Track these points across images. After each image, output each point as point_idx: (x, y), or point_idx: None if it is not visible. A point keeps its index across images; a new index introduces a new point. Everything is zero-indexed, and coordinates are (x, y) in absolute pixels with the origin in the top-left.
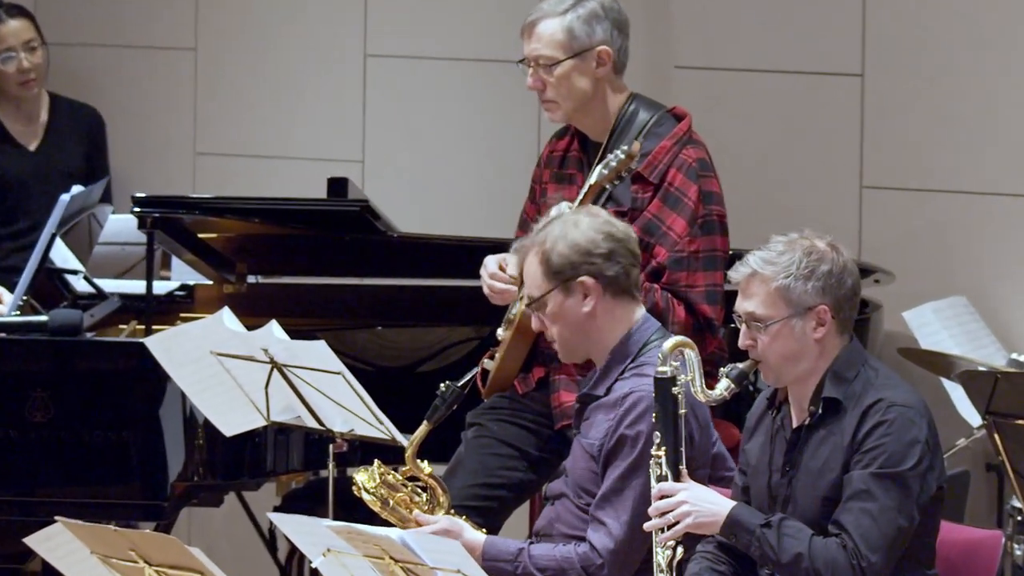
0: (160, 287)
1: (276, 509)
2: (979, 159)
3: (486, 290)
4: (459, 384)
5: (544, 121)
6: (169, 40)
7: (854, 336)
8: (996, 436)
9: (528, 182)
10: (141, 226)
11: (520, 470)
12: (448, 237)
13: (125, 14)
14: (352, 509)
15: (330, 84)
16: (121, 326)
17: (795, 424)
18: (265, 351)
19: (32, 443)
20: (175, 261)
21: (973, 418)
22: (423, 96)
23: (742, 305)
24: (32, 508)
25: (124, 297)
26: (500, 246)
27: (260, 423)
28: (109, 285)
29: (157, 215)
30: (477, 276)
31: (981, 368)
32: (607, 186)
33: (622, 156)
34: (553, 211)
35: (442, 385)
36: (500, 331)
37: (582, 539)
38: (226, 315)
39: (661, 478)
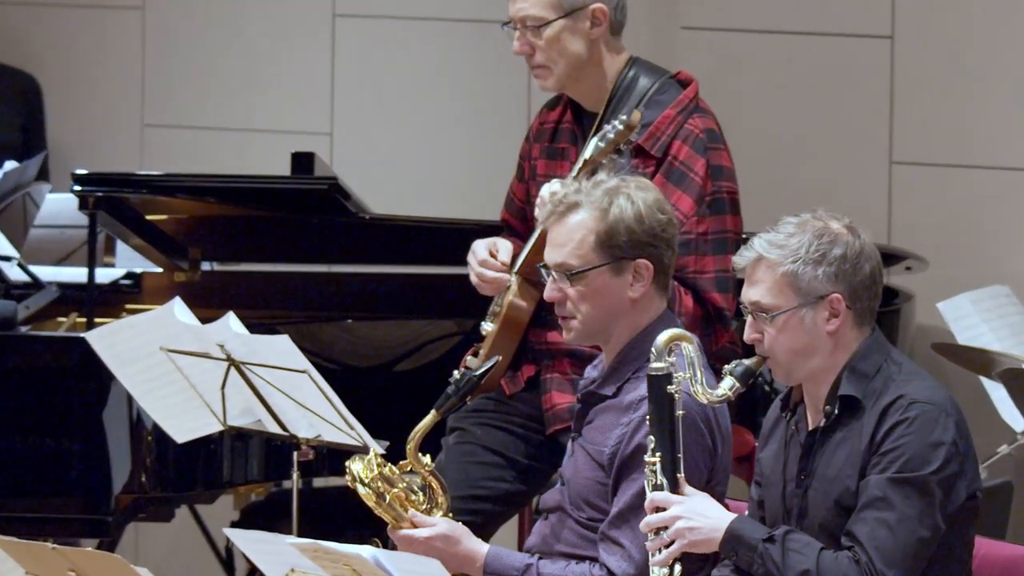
0: (104, 275)
1: (234, 524)
2: (1022, 131)
3: (474, 279)
4: (476, 372)
5: (534, 90)
6: None
7: (876, 328)
8: None
9: (516, 158)
10: (82, 207)
11: (507, 480)
12: (426, 219)
13: None
14: (319, 524)
15: (294, 47)
16: (60, 319)
17: (811, 427)
18: (221, 347)
19: None
20: (120, 246)
21: (1017, 422)
22: (398, 62)
23: (747, 294)
24: None
25: (63, 286)
26: (483, 229)
27: (215, 428)
28: (46, 273)
29: (100, 194)
30: (458, 263)
31: None
32: (604, 161)
33: (620, 127)
34: (544, 191)
35: (456, 372)
36: (485, 325)
37: (584, 559)
38: (177, 307)
39: (656, 488)
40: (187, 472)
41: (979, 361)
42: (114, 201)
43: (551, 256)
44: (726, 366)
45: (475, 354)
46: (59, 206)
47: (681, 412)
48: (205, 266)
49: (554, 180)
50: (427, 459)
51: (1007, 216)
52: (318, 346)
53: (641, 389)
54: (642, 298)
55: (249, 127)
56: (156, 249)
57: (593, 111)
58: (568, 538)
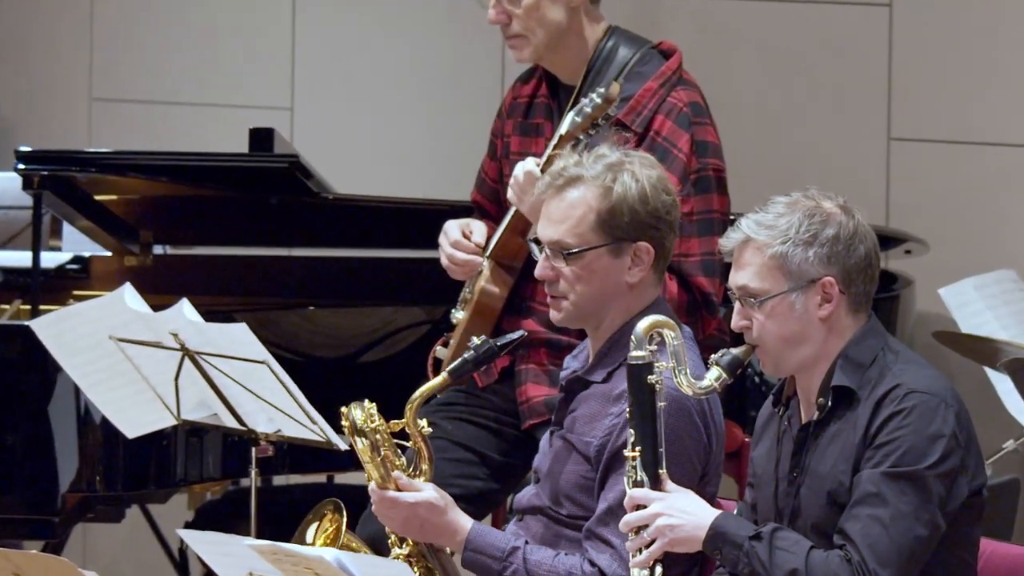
0: (49, 259)
1: (188, 525)
2: None
3: (445, 261)
4: (497, 343)
5: (509, 62)
6: None
7: (873, 315)
8: None
9: (487, 134)
10: (27, 186)
11: (480, 478)
12: (393, 200)
13: None
14: (278, 524)
15: (253, 16)
16: (2, 306)
17: (804, 421)
18: (175, 336)
19: None
20: (67, 228)
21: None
22: (363, 31)
23: (734, 278)
24: None
25: (6, 271)
26: (453, 210)
27: (169, 422)
28: None
29: (46, 173)
30: (427, 246)
31: None
32: (581, 136)
33: (598, 100)
34: (517, 170)
35: (475, 337)
36: (455, 312)
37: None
38: (128, 293)
39: (636, 484)
40: (138, 469)
41: (983, 351)
42: (60, 180)
43: (546, 232)
44: (712, 356)
45: (445, 344)
46: (1, 185)
47: (663, 404)
48: (157, 249)
49: (528, 158)
50: (424, 422)
51: (1013, 196)
52: (278, 335)
53: None
54: (639, 283)
55: (204, 101)
56: (105, 231)
57: (570, 84)
58: (546, 539)
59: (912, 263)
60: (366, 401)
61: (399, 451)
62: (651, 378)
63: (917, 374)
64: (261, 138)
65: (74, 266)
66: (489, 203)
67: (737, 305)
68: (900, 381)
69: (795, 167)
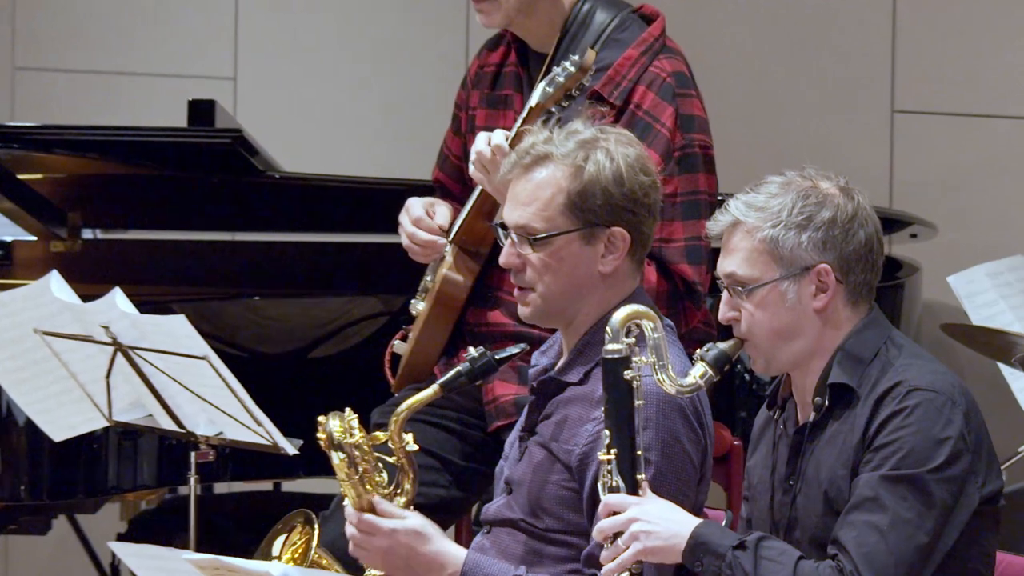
0: None
1: (120, 537)
2: None
3: (406, 241)
4: (496, 356)
5: (475, 27)
6: None
7: (875, 306)
8: None
9: (450, 107)
10: None
11: (442, 485)
12: (346, 178)
13: None
14: (220, 536)
15: None
16: None
17: (800, 423)
18: (106, 329)
19: None
20: None
21: None
22: None
23: (723, 264)
24: None
25: None
26: (413, 190)
27: (99, 424)
28: None
29: None
30: (384, 229)
31: None
32: (553, 109)
33: (572, 69)
34: (479, 141)
35: (472, 349)
36: (415, 303)
37: None
38: (54, 281)
39: (612, 490)
40: (66, 476)
41: (997, 344)
42: None
43: (511, 215)
44: (698, 351)
45: (404, 338)
46: None
47: (641, 402)
48: (87, 234)
49: (497, 131)
50: (409, 437)
51: None
52: (220, 328)
53: None
54: (615, 272)
55: (139, 71)
56: (29, 214)
57: (541, 51)
58: (521, 555)
59: (918, 248)
60: (347, 411)
61: (381, 467)
62: (628, 374)
63: (921, 370)
64: (201, 111)
65: None
66: (452, 182)
67: (725, 295)
68: (902, 378)
69: (790, 144)
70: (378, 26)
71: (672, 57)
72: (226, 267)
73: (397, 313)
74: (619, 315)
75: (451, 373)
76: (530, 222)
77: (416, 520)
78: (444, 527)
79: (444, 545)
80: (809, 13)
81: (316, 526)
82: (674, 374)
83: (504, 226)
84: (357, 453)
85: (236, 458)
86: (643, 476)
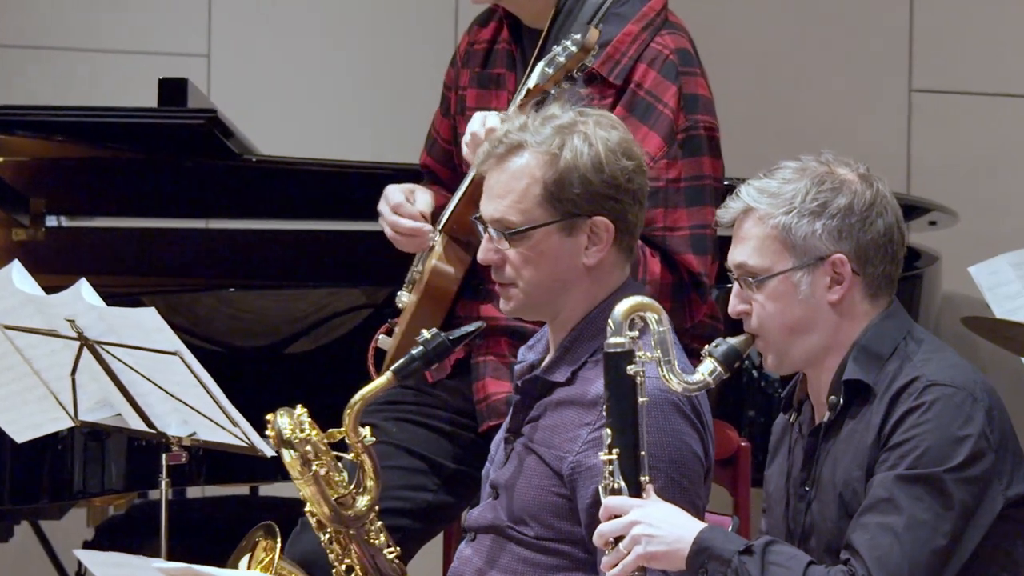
0: None
1: (87, 544)
2: None
3: (388, 231)
4: (451, 336)
5: (464, 2)
6: None
7: (895, 300)
8: None
9: (439, 87)
10: None
11: (430, 489)
12: (327, 162)
13: None
14: (193, 543)
15: None
16: None
17: (815, 424)
18: (71, 323)
19: None
20: None
21: None
22: None
23: (733, 254)
24: None
25: None
26: (399, 176)
27: (64, 424)
28: None
29: None
30: (367, 217)
31: None
32: (552, 90)
33: (574, 49)
34: (474, 122)
35: (425, 331)
36: (402, 295)
37: None
38: (16, 272)
39: (614, 492)
40: (29, 480)
41: (1021, 339)
42: None
43: (487, 209)
44: (706, 346)
45: (389, 332)
46: None
47: (644, 399)
48: (51, 221)
49: (491, 112)
50: (366, 431)
51: None
52: (193, 321)
53: None
54: (600, 264)
55: (105, 47)
56: None
57: (535, 27)
58: (507, 564)
59: (937, 236)
60: (298, 407)
61: (339, 465)
62: (631, 369)
63: (940, 364)
64: (173, 90)
65: None
66: (441, 167)
67: (735, 286)
68: (920, 373)
69: (801, 126)
70: (364, 2)
71: (675, 33)
72: (199, 256)
73: (382, 306)
74: (623, 306)
75: (404, 358)
76: (506, 215)
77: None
78: (432, 534)
79: None
80: None
81: (278, 537)
82: (680, 371)
83: (482, 220)
84: (310, 450)
85: (210, 460)
86: (647, 478)
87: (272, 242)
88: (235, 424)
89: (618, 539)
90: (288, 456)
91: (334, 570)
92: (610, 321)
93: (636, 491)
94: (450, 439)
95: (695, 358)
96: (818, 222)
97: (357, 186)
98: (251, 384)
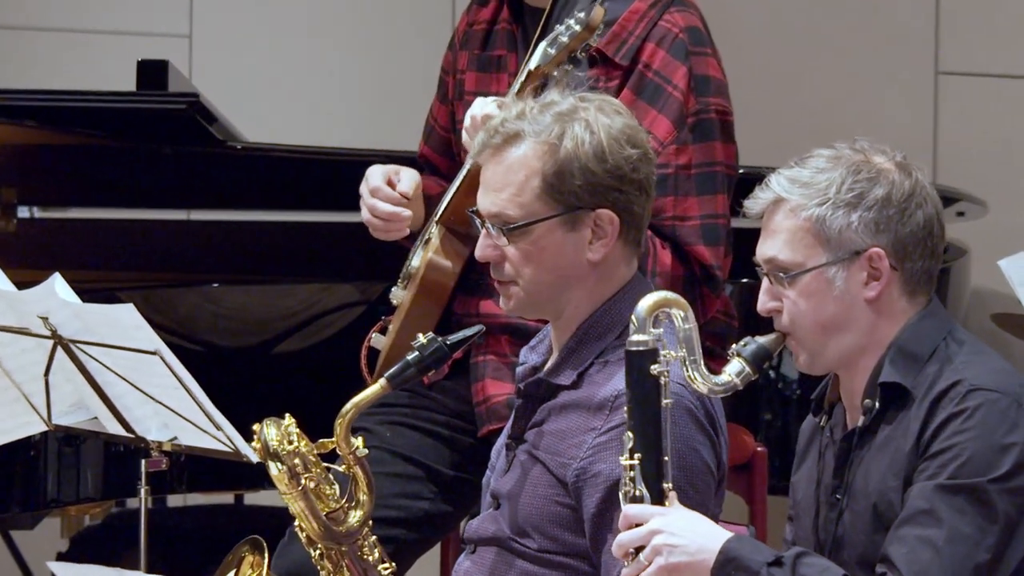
0: None
1: (61, 556)
2: None
3: (365, 215)
4: (448, 341)
5: None
6: None
7: (935, 298)
8: None
9: (436, 71)
10: None
11: (427, 497)
12: (316, 150)
13: None
14: (174, 554)
15: None
16: None
17: (848, 429)
18: (44, 320)
19: None
20: None
21: None
22: None
23: (762, 248)
24: None
25: None
26: (395, 163)
27: (37, 428)
28: None
29: None
30: (358, 208)
31: None
32: (555, 73)
33: (578, 28)
34: (475, 108)
35: (421, 336)
36: (396, 291)
37: None
38: None
39: (634, 500)
40: None
41: None
42: None
43: (484, 203)
44: (733, 345)
45: (383, 330)
46: None
47: (668, 400)
48: (23, 212)
49: (490, 98)
50: (359, 442)
51: None
52: (174, 319)
53: (615, 380)
54: (605, 260)
55: (81, 27)
56: None
57: (537, 6)
58: None
59: (966, 228)
60: (287, 417)
61: (330, 477)
62: (655, 368)
63: (983, 367)
64: (152, 72)
65: None
66: (440, 157)
67: (765, 282)
68: (962, 376)
69: (821, 112)
70: None
71: (685, 10)
72: (180, 250)
73: (375, 302)
74: (646, 302)
75: (399, 364)
76: (504, 210)
77: None
78: (428, 545)
79: None
80: None
81: (265, 551)
82: (707, 372)
83: (479, 214)
84: (299, 463)
85: (192, 467)
86: (669, 485)
87: (258, 234)
88: (219, 428)
89: (639, 549)
90: (275, 469)
91: None
92: (633, 317)
93: (658, 498)
94: (448, 444)
95: (708, 357)
96: (854, 214)
97: (348, 175)
98: (236, 385)
